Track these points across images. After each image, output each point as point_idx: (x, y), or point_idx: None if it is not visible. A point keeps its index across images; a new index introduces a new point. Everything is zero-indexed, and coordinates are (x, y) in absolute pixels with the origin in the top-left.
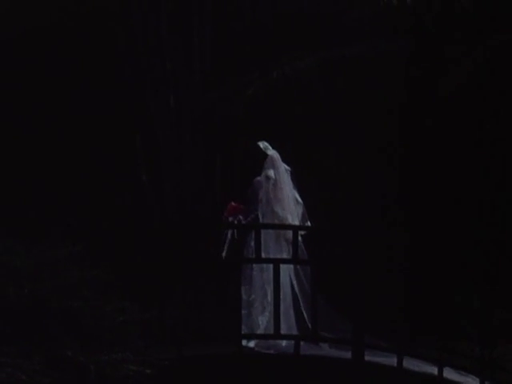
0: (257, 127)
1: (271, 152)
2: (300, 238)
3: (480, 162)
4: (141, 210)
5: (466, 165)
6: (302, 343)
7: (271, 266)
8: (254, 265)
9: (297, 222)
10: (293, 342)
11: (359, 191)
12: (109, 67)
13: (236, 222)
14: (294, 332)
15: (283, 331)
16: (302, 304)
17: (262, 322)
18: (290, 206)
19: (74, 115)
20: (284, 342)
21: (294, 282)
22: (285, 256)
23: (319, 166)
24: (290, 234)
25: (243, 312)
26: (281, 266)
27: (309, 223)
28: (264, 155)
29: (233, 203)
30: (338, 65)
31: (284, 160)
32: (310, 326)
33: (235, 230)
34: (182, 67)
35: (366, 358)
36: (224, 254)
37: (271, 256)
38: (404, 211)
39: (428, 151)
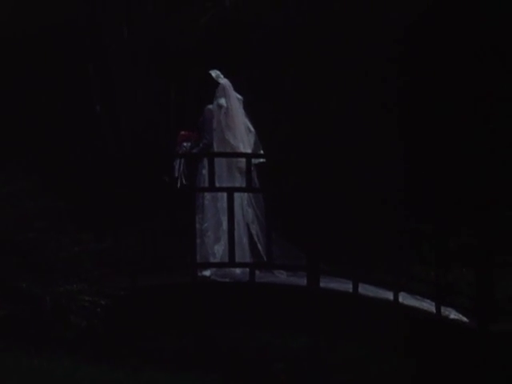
0: (210, 56)
1: (223, 81)
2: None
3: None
4: (96, 140)
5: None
6: (257, 272)
7: (224, 195)
8: (206, 194)
9: (249, 151)
10: (247, 270)
11: (314, 119)
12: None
13: (181, 150)
14: (248, 260)
15: (237, 260)
16: (255, 233)
17: (218, 250)
18: (241, 134)
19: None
20: (238, 270)
21: (249, 211)
22: (237, 185)
23: (274, 95)
24: (242, 163)
25: (197, 241)
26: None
27: (261, 152)
28: (215, 84)
29: (183, 132)
30: None
31: (236, 89)
32: (263, 254)
33: (183, 159)
34: None
35: (321, 284)
36: (178, 183)
37: (224, 185)
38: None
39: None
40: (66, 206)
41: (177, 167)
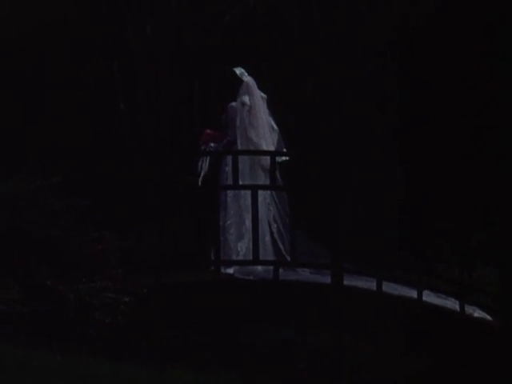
0: (234, 54)
1: (247, 78)
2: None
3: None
4: (119, 139)
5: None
6: (280, 269)
7: (247, 192)
8: (229, 191)
9: (272, 149)
10: (270, 267)
11: (336, 120)
12: None
13: (208, 150)
14: (270, 258)
15: (260, 257)
16: (277, 231)
17: (241, 248)
18: (264, 132)
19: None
20: (261, 268)
21: (271, 209)
22: (260, 183)
23: (296, 94)
24: (265, 160)
25: (220, 239)
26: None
27: (284, 150)
28: (240, 81)
29: (208, 130)
30: None
31: (260, 87)
32: (284, 252)
33: (208, 157)
34: None
35: (345, 282)
36: (200, 181)
37: (247, 183)
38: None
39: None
40: (90, 204)
41: (200, 165)
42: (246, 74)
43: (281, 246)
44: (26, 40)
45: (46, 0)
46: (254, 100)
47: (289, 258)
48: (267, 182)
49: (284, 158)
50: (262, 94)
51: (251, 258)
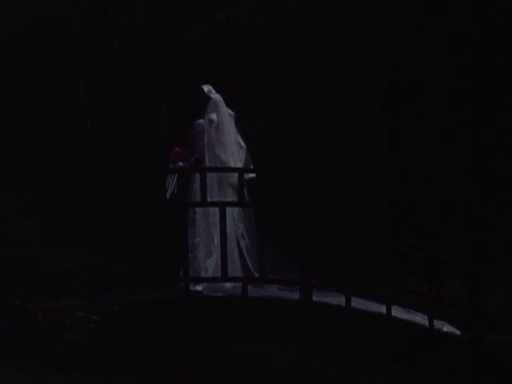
0: (201, 72)
1: (215, 96)
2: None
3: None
4: (86, 157)
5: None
6: (249, 286)
7: (215, 209)
8: (197, 208)
9: (240, 166)
10: (239, 284)
11: (302, 136)
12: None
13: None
14: (239, 275)
15: (229, 274)
16: (245, 248)
17: (210, 265)
18: (232, 149)
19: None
20: (229, 285)
21: (239, 225)
22: (228, 200)
23: (263, 111)
24: (233, 177)
25: (189, 256)
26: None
27: (251, 167)
28: (207, 98)
29: (177, 149)
30: (282, 7)
31: (228, 105)
32: (252, 269)
33: (176, 175)
34: (125, 11)
35: (314, 298)
36: (168, 197)
37: (215, 200)
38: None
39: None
40: (59, 223)
41: (168, 181)
42: (214, 91)
43: (249, 262)
44: None
45: (10, 16)
46: (222, 117)
47: (257, 275)
48: (235, 199)
49: (251, 175)
50: (230, 111)
51: (220, 274)
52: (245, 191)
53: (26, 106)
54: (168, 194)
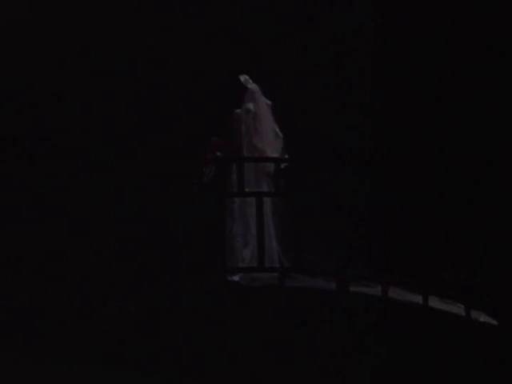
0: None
1: (251, 85)
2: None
3: None
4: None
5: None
6: None
7: (252, 199)
8: (236, 198)
9: (276, 156)
10: (275, 274)
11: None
12: None
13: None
14: (276, 265)
15: (265, 264)
16: (282, 238)
17: (247, 255)
18: (269, 139)
19: None
20: (265, 275)
21: (276, 215)
22: (265, 190)
23: (301, 101)
24: (269, 167)
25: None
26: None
27: (287, 157)
28: (244, 88)
29: (214, 139)
30: None
31: (265, 94)
32: (286, 259)
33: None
34: None
35: (351, 288)
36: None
37: (251, 190)
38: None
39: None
40: None
41: (207, 172)
42: (251, 81)
43: (280, 252)
44: None
45: None
46: (259, 107)
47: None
48: (271, 189)
49: (288, 165)
50: (267, 101)
51: (256, 264)
52: (281, 181)
53: None
54: (205, 183)
